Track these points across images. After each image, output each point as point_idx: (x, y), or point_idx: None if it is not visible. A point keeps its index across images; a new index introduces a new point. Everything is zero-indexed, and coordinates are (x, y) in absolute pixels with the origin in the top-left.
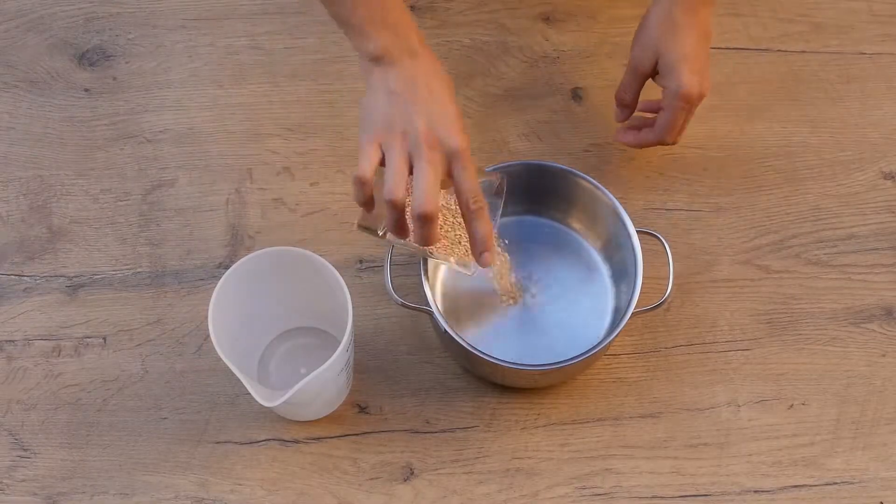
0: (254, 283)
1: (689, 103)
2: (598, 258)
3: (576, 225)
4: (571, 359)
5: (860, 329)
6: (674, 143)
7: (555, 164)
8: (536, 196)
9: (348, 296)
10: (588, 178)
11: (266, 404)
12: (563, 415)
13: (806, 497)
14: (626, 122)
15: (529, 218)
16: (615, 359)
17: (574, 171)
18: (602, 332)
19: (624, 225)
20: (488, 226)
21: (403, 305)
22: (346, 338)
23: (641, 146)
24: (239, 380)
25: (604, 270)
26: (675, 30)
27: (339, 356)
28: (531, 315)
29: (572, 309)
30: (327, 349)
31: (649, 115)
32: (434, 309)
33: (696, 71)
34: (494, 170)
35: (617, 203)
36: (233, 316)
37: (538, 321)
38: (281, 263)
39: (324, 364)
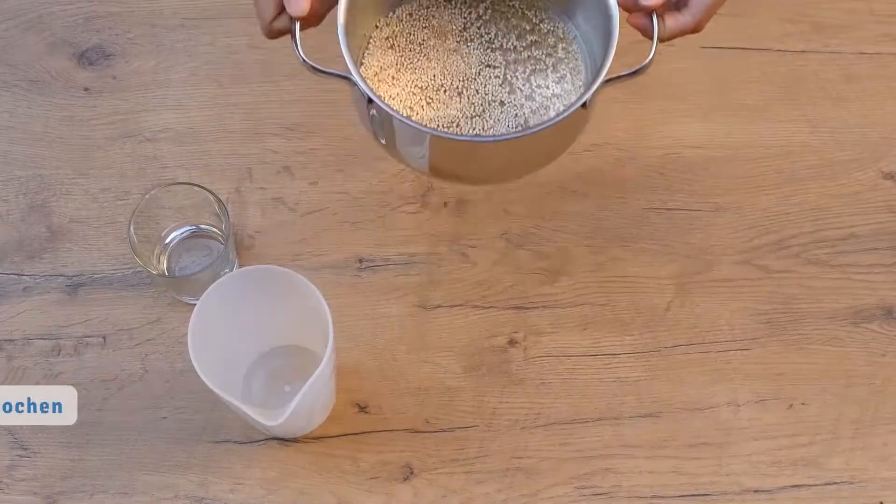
0: (231, 304)
1: None
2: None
3: None
4: (538, 125)
5: (860, 329)
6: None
7: None
8: None
9: (327, 310)
10: None
11: (270, 424)
12: (563, 414)
13: (806, 497)
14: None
15: None
16: (615, 359)
17: None
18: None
19: None
20: None
21: (315, 70)
22: (330, 345)
23: (674, 36)
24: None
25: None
26: None
27: (326, 364)
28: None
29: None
30: (307, 368)
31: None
32: (354, 73)
33: None
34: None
35: None
36: (214, 339)
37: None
38: (258, 282)
39: (315, 373)
